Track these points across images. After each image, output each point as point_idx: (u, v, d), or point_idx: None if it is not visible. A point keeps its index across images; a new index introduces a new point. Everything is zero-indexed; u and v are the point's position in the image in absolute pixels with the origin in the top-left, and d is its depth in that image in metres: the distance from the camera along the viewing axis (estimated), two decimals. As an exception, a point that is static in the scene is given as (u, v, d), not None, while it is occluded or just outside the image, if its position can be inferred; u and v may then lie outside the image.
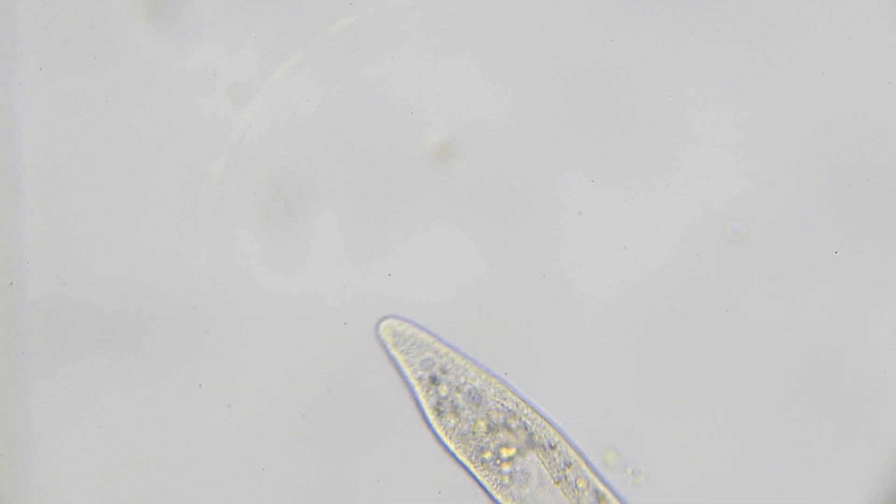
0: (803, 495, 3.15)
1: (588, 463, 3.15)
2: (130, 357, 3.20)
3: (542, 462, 3.11)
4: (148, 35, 3.22)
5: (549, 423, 3.15)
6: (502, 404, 3.14)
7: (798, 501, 3.15)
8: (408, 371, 3.16)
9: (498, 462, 3.11)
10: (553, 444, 3.11)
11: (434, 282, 3.21)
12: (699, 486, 3.17)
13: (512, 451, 3.11)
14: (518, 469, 3.11)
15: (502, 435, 3.13)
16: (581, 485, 3.11)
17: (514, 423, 3.13)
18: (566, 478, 3.12)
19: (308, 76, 3.22)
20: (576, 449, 3.15)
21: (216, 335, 3.21)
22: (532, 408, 3.16)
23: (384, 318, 3.19)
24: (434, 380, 3.14)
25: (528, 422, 3.14)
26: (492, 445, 3.12)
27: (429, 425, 3.15)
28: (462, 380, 3.15)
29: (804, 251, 3.17)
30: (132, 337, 3.20)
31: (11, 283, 3.20)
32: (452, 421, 3.12)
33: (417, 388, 3.15)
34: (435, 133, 3.20)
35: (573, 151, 3.20)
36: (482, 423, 3.13)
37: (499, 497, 3.10)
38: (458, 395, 3.13)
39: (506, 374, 3.19)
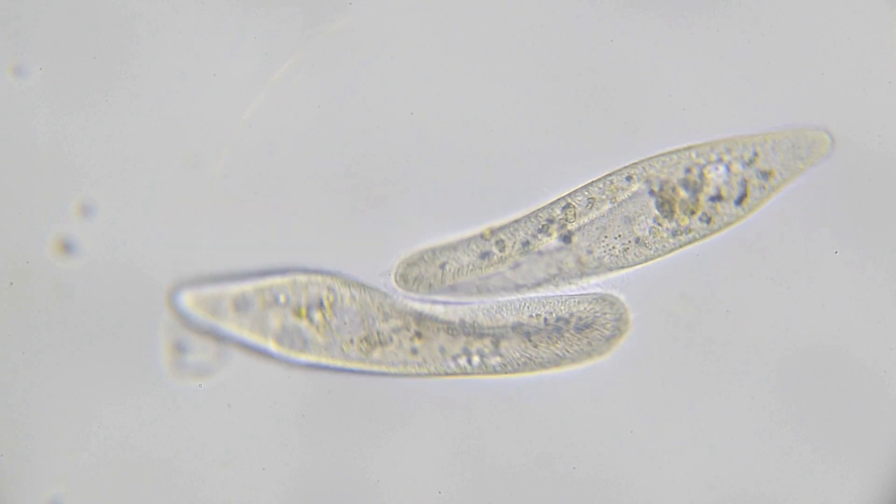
0: (803, 495, 3.15)
1: None
2: (130, 357, 3.20)
3: None
4: (148, 36, 3.23)
5: None
6: None
7: (797, 501, 3.15)
8: None
9: None
10: None
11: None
12: (704, 487, 3.17)
13: None
14: None
15: None
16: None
17: None
18: None
19: (308, 76, 3.22)
20: None
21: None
22: None
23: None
24: None
25: None
26: None
27: None
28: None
29: (803, 251, 3.17)
30: (132, 336, 3.20)
31: (11, 283, 3.20)
32: None
33: None
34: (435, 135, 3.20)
35: (575, 151, 3.20)
36: None
37: None
38: None
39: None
